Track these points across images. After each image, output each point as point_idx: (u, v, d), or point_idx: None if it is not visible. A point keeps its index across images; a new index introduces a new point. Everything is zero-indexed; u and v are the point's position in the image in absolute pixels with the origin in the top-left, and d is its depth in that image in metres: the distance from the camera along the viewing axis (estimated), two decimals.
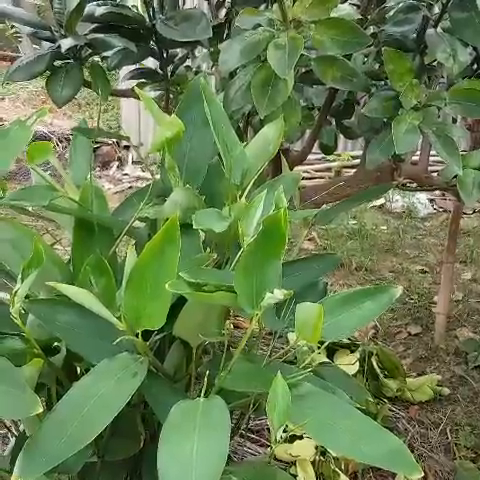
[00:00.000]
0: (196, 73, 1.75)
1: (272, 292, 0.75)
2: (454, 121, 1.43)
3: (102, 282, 0.96)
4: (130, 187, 4.10)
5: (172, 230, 0.78)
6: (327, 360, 1.76)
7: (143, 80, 1.69)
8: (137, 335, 0.82)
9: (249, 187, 1.00)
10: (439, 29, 1.22)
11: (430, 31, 1.18)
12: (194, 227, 0.84)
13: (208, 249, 0.95)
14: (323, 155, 4.05)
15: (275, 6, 1.17)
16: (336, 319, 0.92)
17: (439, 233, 3.57)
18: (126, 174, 4.19)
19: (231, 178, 0.98)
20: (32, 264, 0.85)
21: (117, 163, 4.36)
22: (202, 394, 0.79)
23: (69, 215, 1.06)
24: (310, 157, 4.06)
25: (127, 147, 4.35)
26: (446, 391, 2.09)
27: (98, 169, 4.37)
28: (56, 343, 0.95)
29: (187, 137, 1.04)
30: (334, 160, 4.22)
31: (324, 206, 1.02)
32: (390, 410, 1.97)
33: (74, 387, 0.80)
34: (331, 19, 1.13)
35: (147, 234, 1.08)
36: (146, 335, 0.85)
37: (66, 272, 1.04)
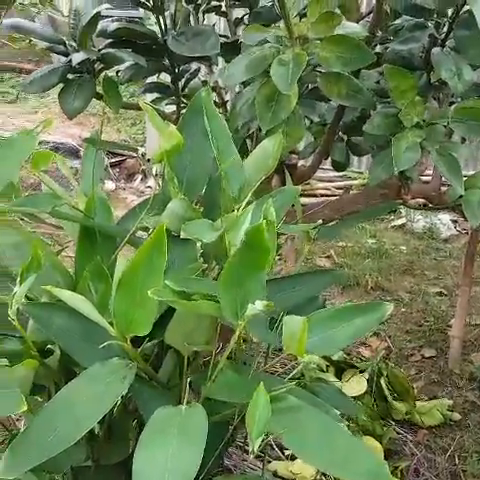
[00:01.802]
0: (213, 88, 1.78)
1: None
2: (463, 140, 1.42)
3: (101, 288, 0.98)
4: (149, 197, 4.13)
5: (160, 238, 0.80)
6: (323, 376, 1.75)
7: (161, 95, 1.73)
8: (128, 341, 0.83)
9: (246, 200, 1.01)
10: (447, 48, 1.22)
11: (436, 49, 1.18)
12: (182, 236, 0.85)
13: (201, 259, 0.96)
14: (345, 173, 4.06)
15: (282, 23, 1.19)
16: (326, 334, 0.92)
17: (460, 255, 3.51)
18: (149, 186, 4.25)
19: (228, 190, 0.99)
20: (30, 268, 0.87)
21: (141, 176, 4.43)
22: (184, 402, 0.80)
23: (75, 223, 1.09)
24: (331, 174, 4.06)
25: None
26: (457, 416, 2.04)
27: (123, 181, 4.44)
28: (49, 345, 0.96)
29: (188, 149, 1.06)
30: (356, 178, 4.20)
31: (319, 221, 1.02)
32: (397, 433, 1.93)
33: (65, 388, 0.83)
34: (336, 36, 1.14)
35: None
36: (138, 341, 0.87)
37: (68, 278, 1.06)
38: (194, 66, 1.61)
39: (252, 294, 0.78)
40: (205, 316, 0.91)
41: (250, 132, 1.32)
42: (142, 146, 4.74)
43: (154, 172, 4.40)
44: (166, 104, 1.76)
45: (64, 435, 0.76)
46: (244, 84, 1.36)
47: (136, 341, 0.86)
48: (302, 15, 1.19)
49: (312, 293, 1.15)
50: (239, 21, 1.75)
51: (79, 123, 4.87)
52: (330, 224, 1.32)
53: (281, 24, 1.20)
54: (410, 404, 2.01)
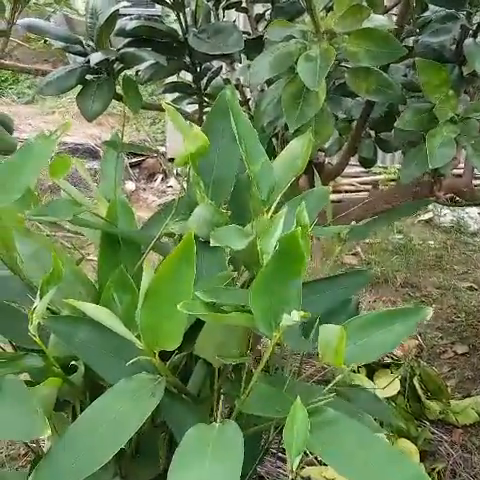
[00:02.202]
0: (235, 86, 1.74)
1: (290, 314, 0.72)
2: None
3: (126, 299, 0.94)
4: (173, 199, 4.10)
5: (188, 248, 0.76)
6: (359, 383, 1.70)
7: (182, 94, 1.69)
8: (156, 355, 0.80)
9: (276, 202, 0.97)
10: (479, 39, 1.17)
11: (468, 40, 1.13)
12: (211, 244, 0.82)
13: (231, 267, 0.93)
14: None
15: (308, 17, 1.15)
16: (363, 341, 0.87)
17: None
18: (170, 186, 4.22)
19: (257, 193, 0.95)
20: (51, 280, 0.83)
21: (162, 175, 4.40)
22: (218, 418, 0.77)
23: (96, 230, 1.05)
24: (356, 170, 4.00)
25: (172, 160, 4.38)
26: None
27: (143, 181, 4.42)
28: (73, 362, 0.92)
29: (214, 150, 1.02)
30: (380, 173, 4.13)
31: (353, 223, 0.98)
32: (432, 433, 1.88)
33: (90, 408, 0.78)
34: (364, 30, 1.10)
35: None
36: (166, 354, 0.83)
37: (90, 288, 1.02)
38: (216, 64, 1.57)
39: (287, 303, 0.74)
40: (236, 327, 0.87)
41: (276, 131, 1.28)
42: (162, 145, 4.71)
43: (175, 171, 4.39)
44: (187, 103, 1.73)
45: (90, 459, 0.72)
46: (268, 82, 1.33)
47: (164, 353, 0.81)
48: (328, 9, 1.15)
49: (345, 296, 1.12)
50: (260, 17, 1.71)
51: (98, 123, 4.86)
52: (361, 223, 1.28)
53: (306, 18, 1.15)
54: (444, 403, 1.97)
